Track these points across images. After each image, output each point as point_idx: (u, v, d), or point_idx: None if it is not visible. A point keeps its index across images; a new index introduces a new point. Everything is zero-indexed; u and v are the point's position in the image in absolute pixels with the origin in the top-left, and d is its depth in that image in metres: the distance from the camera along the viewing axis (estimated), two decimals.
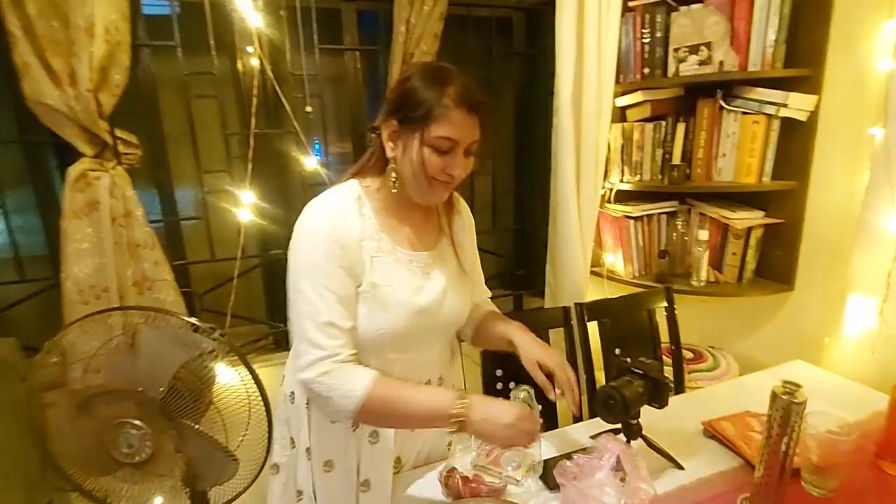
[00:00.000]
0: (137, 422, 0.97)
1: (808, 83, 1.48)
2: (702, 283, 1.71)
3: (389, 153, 0.89)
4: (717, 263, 1.75)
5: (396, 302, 0.90)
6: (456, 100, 0.82)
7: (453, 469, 0.96)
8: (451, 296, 0.97)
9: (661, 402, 0.97)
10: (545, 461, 0.98)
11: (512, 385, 0.97)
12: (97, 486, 1.06)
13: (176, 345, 1.00)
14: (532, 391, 0.94)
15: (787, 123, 1.54)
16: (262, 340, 1.74)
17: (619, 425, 1.00)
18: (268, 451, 1.05)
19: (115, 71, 1.27)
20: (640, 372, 0.98)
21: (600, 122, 1.64)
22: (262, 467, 1.06)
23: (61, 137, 1.27)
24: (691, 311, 1.66)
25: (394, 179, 0.90)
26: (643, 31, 1.65)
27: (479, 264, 1.12)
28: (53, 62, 1.18)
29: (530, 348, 0.97)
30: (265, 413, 1.03)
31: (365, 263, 0.89)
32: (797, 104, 1.48)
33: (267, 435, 1.04)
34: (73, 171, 1.29)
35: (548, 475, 0.95)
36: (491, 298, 1.17)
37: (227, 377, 1.06)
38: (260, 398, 1.03)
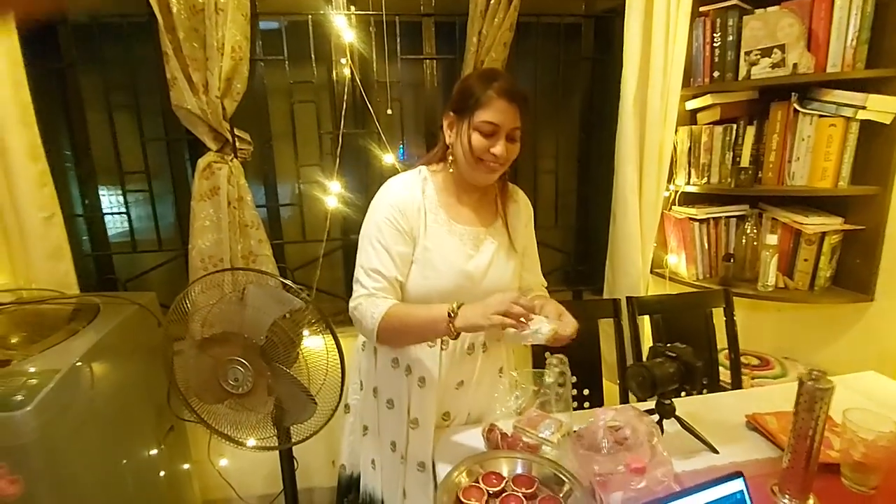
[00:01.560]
0: (243, 360, 1.21)
1: (892, 84, 1.42)
2: (769, 289, 1.67)
3: (448, 140, 1.09)
4: (787, 269, 1.70)
5: (445, 264, 1.07)
6: (499, 91, 1.00)
7: (494, 425, 1.08)
8: (497, 268, 1.11)
9: (692, 385, 1.03)
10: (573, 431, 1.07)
11: (547, 355, 1.06)
12: (209, 411, 1.31)
13: (274, 301, 1.22)
14: (566, 359, 1.04)
15: (868, 126, 1.48)
16: (340, 315, 1.97)
17: (652, 405, 1.07)
18: (340, 398, 1.25)
19: (237, 80, 1.55)
20: (674, 355, 1.04)
21: (665, 126, 1.67)
22: (335, 411, 1.26)
23: (194, 135, 1.58)
24: (762, 319, 1.65)
25: (450, 160, 1.09)
26: (714, 34, 1.66)
27: (534, 252, 1.24)
28: (194, 76, 1.48)
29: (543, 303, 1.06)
30: (340, 365, 1.22)
31: (421, 229, 1.07)
32: (878, 106, 1.43)
33: (340, 382, 1.23)
34: (202, 162, 1.58)
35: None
36: (549, 292, 1.26)
37: (311, 333, 1.28)
38: (337, 352, 1.23)
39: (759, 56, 1.59)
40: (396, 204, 1.07)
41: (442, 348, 1.11)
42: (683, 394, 1.12)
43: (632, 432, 0.90)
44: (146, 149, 1.73)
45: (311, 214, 1.81)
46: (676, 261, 1.87)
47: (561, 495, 0.90)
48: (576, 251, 2.11)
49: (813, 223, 1.60)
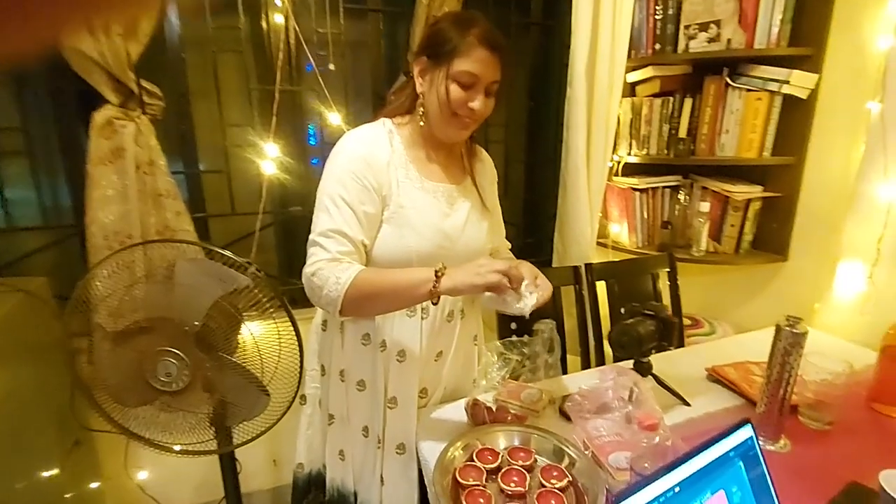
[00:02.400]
0: (176, 351, 1.01)
1: (810, 62, 1.56)
2: (701, 253, 1.78)
3: (419, 88, 0.97)
4: (716, 235, 1.83)
5: (424, 223, 0.96)
6: (480, 38, 0.90)
7: (477, 400, 1.02)
8: (472, 228, 1.04)
9: (670, 341, 1.04)
10: (562, 396, 1.04)
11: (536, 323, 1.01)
12: (131, 417, 1.09)
13: (213, 279, 1.03)
14: (554, 325, 1.00)
15: (788, 100, 1.61)
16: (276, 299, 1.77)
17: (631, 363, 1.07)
18: (298, 385, 1.10)
19: (144, 20, 1.29)
20: (652, 313, 1.05)
21: (612, 96, 1.70)
22: (293, 401, 1.11)
23: (88, 85, 1.29)
24: (691, 282, 1.74)
25: (421, 113, 0.98)
26: (656, 7, 1.70)
27: (499, 213, 1.17)
28: None
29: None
30: (298, 347, 1.07)
31: (392, 186, 0.96)
32: (799, 82, 1.56)
33: (299, 368, 1.09)
34: (99, 117, 1.30)
35: (563, 408, 1.02)
36: None
37: (259, 315, 1.11)
38: (293, 332, 1.08)
39: (696, 30, 1.66)
40: (363, 156, 0.94)
41: (423, 317, 1.01)
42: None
43: (638, 390, 0.88)
44: (23, 100, 1.39)
45: (240, 183, 1.58)
46: (619, 230, 1.93)
47: (564, 465, 0.86)
48: (523, 223, 2.09)
49: (740, 191, 1.73)
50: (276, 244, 1.81)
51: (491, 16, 1.73)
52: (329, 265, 0.91)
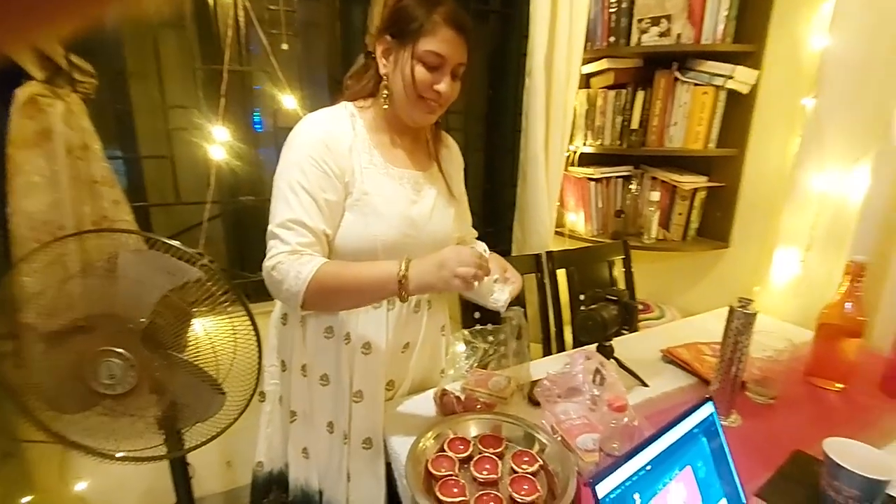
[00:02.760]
0: (121, 350, 0.93)
1: (752, 58, 1.65)
2: (652, 241, 1.86)
3: (382, 70, 0.93)
4: (665, 223, 1.91)
5: (389, 211, 0.93)
6: (446, 18, 0.87)
7: (446, 390, 1.01)
8: (440, 215, 1.02)
9: (631, 325, 1.08)
10: (531, 382, 1.05)
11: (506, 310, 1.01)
12: (69, 424, 1.00)
13: (161, 271, 0.96)
14: (522, 311, 1.00)
15: (732, 95, 1.70)
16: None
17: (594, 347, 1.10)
18: (257, 382, 1.05)
19: None
20: (614, 298, 1.08)
21: (569, 87, 1.72)
22: (251, 398, 1.06)
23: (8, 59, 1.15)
24: (641, 269, 1.81)
25: (385, 95, 0.94)
26: (611, 0, 1.74)
27: (465, 200, 1.16)
28: None
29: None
30: (256, 342, 1.02)
31: (355, 172, 0.92)
32: (742, 77, 1.64)
33: (257, 364, 1.03)
34: (21, 94, 1.17)
35: (532, 394, 1.03)
36: None
37: (211, 310, 1.04)
38: (249, 327, 1.02)
39: (649, 24, 1.71)
40: (323, 139, 0.89)
41: (389, 308, 0.98)
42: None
43: (605, 370, 0.90)
44: None
45: (185, 170, 1.48)
46: (575, 218, 1.97)
47: (535, 451, 0.86)
48: (482, 213, 2.10)
49: (687, 181, 1.81)
50: (225, 236, 1.72)
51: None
52: (289, 258, 0.87)
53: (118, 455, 1.05)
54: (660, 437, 0.68)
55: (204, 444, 1.09)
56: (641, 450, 0.65)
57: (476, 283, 0.84)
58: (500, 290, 0.87)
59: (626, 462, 0.63)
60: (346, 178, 0.91)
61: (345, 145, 0.91)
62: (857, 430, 0.98)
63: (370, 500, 0.97)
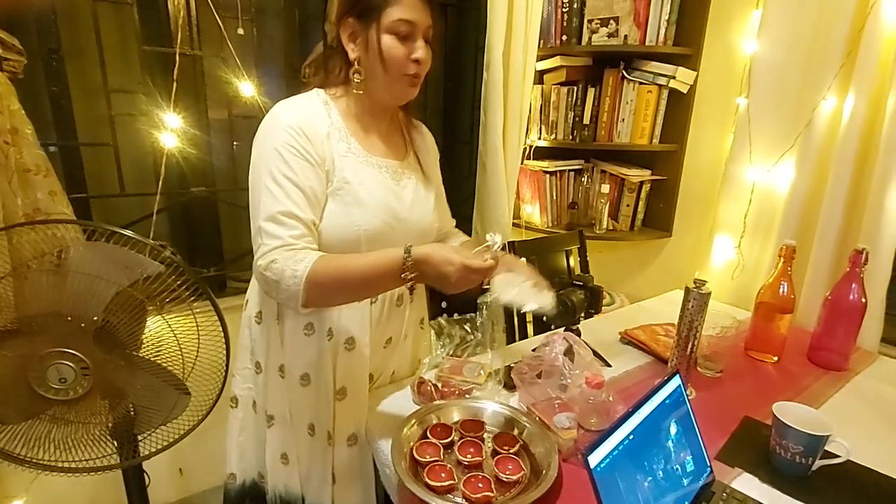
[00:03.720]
0: (72, 352, 0.86)
1: (690, 60, 1.78)
2: (603, 231, 1.96)
3: (352, 55, 0.90)
4: (614, 214, 2.02)
5: (371, 199, 0.91)
6: None
7: (423, 379, 1.02)
8: (420, 204, 1.01)
9: (597, 308, 1.14)
10: (506, 367, 1.08)
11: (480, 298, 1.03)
12: (9, 434, 0.91)
13: (116, 265, 0.89)
14: (495, 299, 1.01)
15: (673, 94, 1.83)
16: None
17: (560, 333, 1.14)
18: (225, 378, 1.00)
19: None
20: (581, 283, 1.13)
21: (525, 82, 1.77)
22: (219, 397, 1.01)
23: None
24: (593, 258, 1.91)
25: (358, 80, 0.90)
26: (564, 0, 1.81)
27: (443, 191, 1.16)
28: None
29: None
30: (224, 337, 0.97)
31: (335, 160, 0.89)
32: (682, 77, 1.77)
33: (225, 360, 0.99)
34: None
35: (506, 379, 1.06)
36: None
37: (171, 306, 0.98)
38: (215, 322, 0.97)
39: (598, 25, 1.79)
40: (300, 126, 0.86)
41: (372, 302, 0.97)
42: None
43: (579, 350, 0.95)
44: None
45: (128, 160, 1.37)
46: (531, 210, 2.04)
47: (515, 433, 0.89)
48: None
49: (634, 174, 1.92)
50: (172, 230, 1.62)
51: None
52: (283, 255, 0.82)
53: (67, 466, 0.97)
54: (638, 409, 0.73)
55: (166, 448, 1.03)
56: (624, 421, 0.69)
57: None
58: (542, 294, 0.90)
59: (612, 433, 0.67)
60: (326, 165, 0.88)
61: (322, 132, 0.89)
62: (792, 395, 1.10)
63: (357, 501, 0.96)
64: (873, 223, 1.31)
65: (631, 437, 0.69)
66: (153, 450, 1.04)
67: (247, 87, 1.32)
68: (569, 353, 0.97)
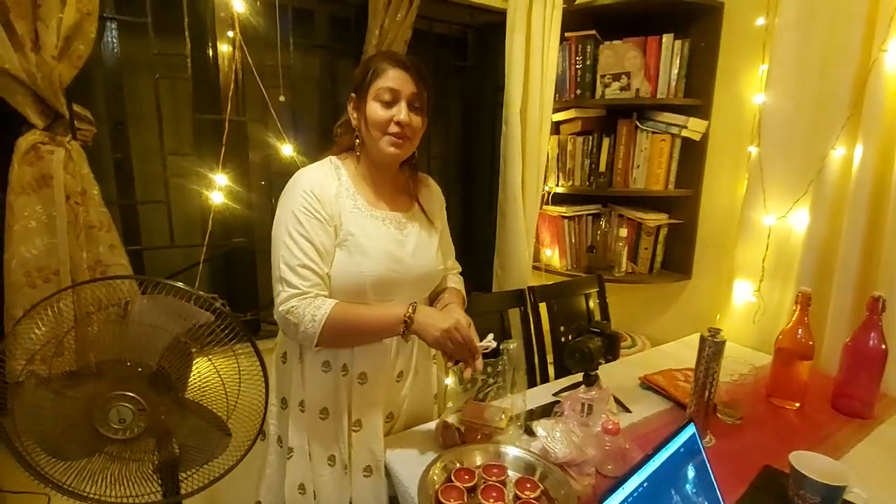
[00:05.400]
0: (132, 395, 0.95)
1: (701, 110, 1.85)
2: (622, 274, 2.00)
3: (353, 122, 1.05)
4: (632, 257, 2.06)
5: (375, 248, 1.02)
6: (388, 59, 1.01)
7: (447, 422, 1.07)
8: (423, 251, 1.10)
9: (615, 355, 1.18)
10: (527, 412, 1.13)
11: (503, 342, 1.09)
12: (68, 470, 0.99)
13: (172, 315, 0.99)
14: (518, 343, 1.08)
15: (686, 142, 1.90)
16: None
17: (580, 377, 1.19)
18: (263, 419, 1.07)
19: (81, 41, 1.21)
20: (598, 330, 1.18)
21: (542, 133, 1.87)
22: (256, 437, 1.08)
23: (9, 106, 1.18)
24: (612, 300, 1.94)
25: (358, 143, 1.05)
26: (577, 57, 1.93)
27: (448, 236, 1.26)
28: (17, 24, 1.11)
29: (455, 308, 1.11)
30: (263, 378, 1.05)
31: (342, 216, 1.02)
32: (694, 127, 1.84)
33: (264, 400, 1.06)
34: (23, 143, 1.19)
35: (526, 423, 1.10)
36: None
37: (218, 350, 1.07)
38: (257, 364, 1.05)
39: (610, 80, 1.90)
40: (311, 191, 1.00)
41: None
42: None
43: (599, 398, 0.99)
44: None
45: (181, 215, 1.51)
46: (551, 254, 2.10)
47: (536, 477, 0.93)
48: (460, 250, 2.19)
49: (651, 218, 1.97)
50: (214, 276, 1.74)
51: (431, 58, 1.87)
52: (302, 302, 0.96)
53: (116, 502, 1.04)
54: (653, 457, 0.76)
55: (206, 486, 1.09)
56: (638, 470, 0.73)
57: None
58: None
59: (625, 482, 0.71)
60: (334, 221, 1.01)
61: (331, 193, 1.02)
62: (814, 444, 1.11)
63: None
64: (890, 269, 1.33)
65: (644, 485, 0.73)
66: (194, 488, 1.11)
67: (287, 148, 1.45)
68: (587, 409, 1.01)
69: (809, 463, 0.88)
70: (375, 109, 0.99)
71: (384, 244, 1.04)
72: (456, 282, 1.27)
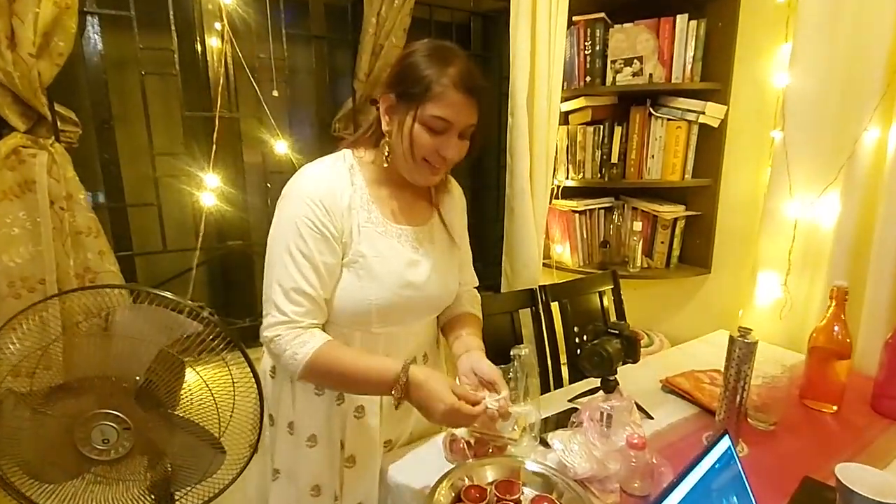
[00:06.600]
0: (116, 413, 0.88)
1: (719, 95, 1.75)
2: (637, 269, 1.91)
3: (385, 127, 0.90)
4: (647, 251, 1.96)
5: (386, 273, 0.90)
6: (456, 80, 0.82)
7: (455, 436, 0.99)
8: (440, 273, 0.98)
9: (634, 358, 1.09)
10: (542, 420, 1.05)
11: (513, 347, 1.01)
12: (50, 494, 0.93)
13: (158, 327, 0.93)
14: (530, 349, 1.00)
15: (703, 129, 1.80)
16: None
17: (596, 381, 1.10)
18: (259, 436, 1.00)
19: (61, 37, 1.15)
20: (616, 332, 1.09)
21: (550, 124, 1.78)
22: (252, 455, 1.01)
23: None
24: (628, 297, 1.85)
25: (386, 154, 0.91)
26: (585, 43, 1.83)
27: (467, 247, 1.13)
28: None
29: (478, 357, 0.99)
30: (258, 394, 0.98)
31: (353, 232, 0.89)
32: (712, 112, 1.74)
33: (259, 416, 0.99)
34: (4, 146, 1.14)
35: (541, 434, 1.02)
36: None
37: (208, 362, 1.00)
38: (249, 376, 0.98)
39: (622, 65, 1.80)
40: (321, 200, 0.85)
41: None
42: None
43: (621, 408, 0.91)
44: None
45: (173, 218, 1.44)
46: (562, 250, 2.01)
47: (553, 496, 0.85)
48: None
49: (667, 210, 1.88)
50: (209, 281, 1.68)
51: None
52: (286, 333, 0.85)
53: None
54: (685, 477, 0.68)
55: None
56: (670, 492, 0.65)
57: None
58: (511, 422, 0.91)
59: None
60: (343, 238, 0.89)
61: (343, 204, 0.88)
62: (856, 451, 1.01)
63: None
64: None
65: None
66: None
67: (281, 145, 1.38)
68: (607, 419, 0.92)
69: (858, 476, 0.79)
70: (421, 135, 0.84)
71: (396, 267, 0.91)
72: (472, 302, 1.13)
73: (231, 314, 1.60)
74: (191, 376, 1.01)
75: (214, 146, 1.30)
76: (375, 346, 0.94)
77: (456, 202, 1.09)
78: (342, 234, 0.88)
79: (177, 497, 1.04)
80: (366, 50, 1.48)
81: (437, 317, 1.09)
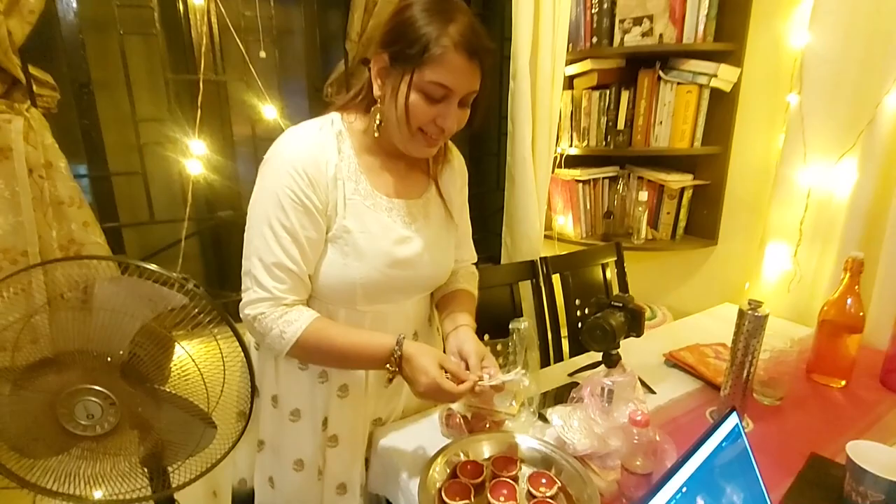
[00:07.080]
0: (99, 388, 0.85)
1: (733, 56, 1.66)
2: (641, 241, 1.86)
3: (376, 91, 0.81)
4: (653, 222, 1.91)
5: (373, 251, 0.84)
6: (458, 41, 0.73)
7: (451, 410, 0.96)
8: (433, 251, 0.91)
9: (638, 331, 1.05)
10: (541, 395, 1.02)
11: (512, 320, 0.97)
12: (41, 469, 0.91)
13: (141, 299, 0.88)
14: (529, 322, 0.96)
15: (715, 93, 1.71)
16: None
17: (598, 355, 1.06)
18: (250, 411, 0.98)
19: None
20: (620, 304, 1.04)
21: (553, 88, 1.70)
22: (244, 429, 0.99)
23: None
24: (631, 269, 1.81)
25: (378, 123, 0.83)
26: (592, 1, 1.73)
27: (467, 221, 1.07)
28: None
29: (465, 336, 0.92)
30: (248, 368, 0.95)
31: (338, 205, 0.82)
32: (724, 75, 1.65)
33: (250, 395, 0.96)
34: None
35: (539, 409, 0.99)
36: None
37: (195, 335, 0.97)
38: (238, 350, 0.95)
39: (630, 24, 1.70)
40: (304, 170, 0.79)
41: None
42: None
43: (623, 384, 0.87)
44: None
45: (156, 187, 1.39)
46: (564, 221, 1.95)
47: (552, 472, 0.83)
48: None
49: (675, 180, 1.81)
50: (201, 253, 1.63)
51: None
52: (271, 311, 0.81)
53: (97, 497, 0.96)
54: (690, 456, 0.65)
55: (194, 480, 1.01)
56: (675, 472, 0.61)
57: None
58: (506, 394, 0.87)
59: (661, 488, 0.59)
60: (328, 210, 0.82)
61: (329, 174, 0.81)
62: (865, 427, 0.98)
63: None
64: None
65: (684, 489, 0.61)
66: (184, 480, 1.03)
67: (270, 110, 1.31)
68: (608, 395, 0.89)
69: (869, 454, 0.76)
70: (416, 103, 0.76)
71: (385, 244, 0.85)
72: (468, 278, 1.06)
73: (223, 286, 1.57)
74: (180, 351, 0.98)
75: (199, 111, 1.23)
76: (361, 323, 0.90)
77: (456, 173, 1.01)
78: (326, 206, 0.82)
79: (170, 470, 1.03)
80: (358, 6, 1.39)
81: (432, 293, 1.04)
